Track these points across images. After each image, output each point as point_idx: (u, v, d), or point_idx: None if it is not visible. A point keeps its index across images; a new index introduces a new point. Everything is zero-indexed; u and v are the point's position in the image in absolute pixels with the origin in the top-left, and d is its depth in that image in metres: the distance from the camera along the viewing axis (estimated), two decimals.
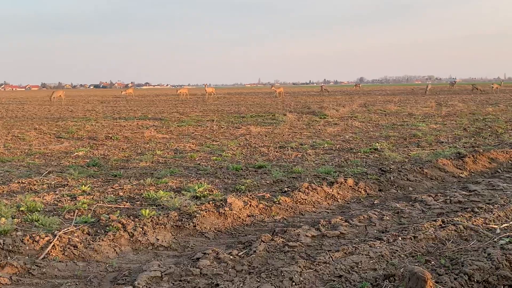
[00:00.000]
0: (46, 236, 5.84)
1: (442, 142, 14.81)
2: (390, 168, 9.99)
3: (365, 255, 5.34)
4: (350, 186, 8.71)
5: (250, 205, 7.42)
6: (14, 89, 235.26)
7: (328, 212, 7.52)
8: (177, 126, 21.22)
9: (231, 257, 5.38)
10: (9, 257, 5.38)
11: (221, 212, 6.99)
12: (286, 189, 8.47)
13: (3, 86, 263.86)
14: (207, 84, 70.02)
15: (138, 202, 7.86)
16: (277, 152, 13.26)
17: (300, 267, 4.95)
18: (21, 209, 7.33)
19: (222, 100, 49.04)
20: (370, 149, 13.31)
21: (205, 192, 8.43)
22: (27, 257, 5.45)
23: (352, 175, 9.57)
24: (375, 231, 6.43)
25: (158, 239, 6.09)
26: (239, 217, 6.99)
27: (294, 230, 6.19)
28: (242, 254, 5.48)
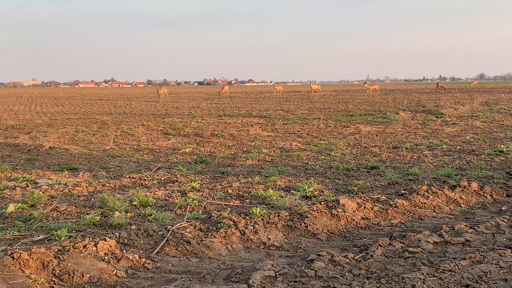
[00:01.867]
0: (159, 231, 6.12)
1: None
2: None
3: (495, 264, 5.11)
4: (474, 191, 8.36)
5: (364, 207, 7.34)
6: (121, 85, 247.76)
7: (450, 218, 7.27)
8: (283, 124, 21.42)
9: (347, 260, 5.35)
10: (124, 250, 5.68)
11: (334, 214, 6.97)
12: (403, 191, 8.29)
13: (110, 82, 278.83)
14: (312, 81, 70.91)
15: (247, 200, 8.02)
16: (390, 152, 13.01)
17: (423, 274, 4.83)
18: (133, 203, 7.72)
19: (328, 98, 48.86)
20: (495, 151, 12.70)
21: (316, 192, 8.44)
22: (141, 251, 5.73)
23: (476, 179, 9.18)
24: (505, 239, 6.12)
25: (269, 238, 6.17)
26: (353, 219, 6.93)
27: (414, 235, 6.04)
28: (359, 258, 5.43)
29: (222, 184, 9.26)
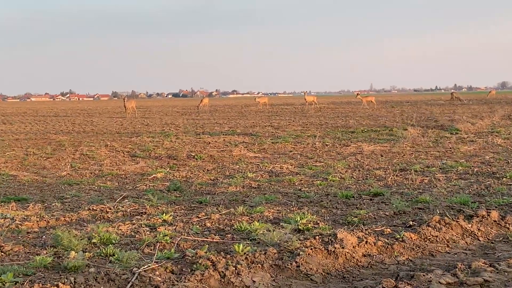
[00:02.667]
0: (123, 274, 6.07)
1: None
2: None
3: None
4: (495, 221, 8.40)
5: (366, 242, 7.34)
6: (80, 98, 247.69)
7: (466, 254, 7.29)
8: (272, 143, 21.49)
9: None
10: None
11: (330, 250, 6.96)
12: (411, 222, 8.32)
13: (68, 95, 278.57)
14: (307, 91, 70.91)
15: (229, 235, 8.00)
16: (397, 176, 13.07)
17: None
18: (93, 241, 7.67)
19: (325, 111, 49.13)
20: None
21: (309, 225, 8.44)
22: None
23: (496, 207, 9.24)
24: None
25: (254, 281, 6.15)
26: (353, 257, 6.93)
27: (424, 275, 6.04)
28: None
29: (200, 216, 9.24)
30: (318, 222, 8.69)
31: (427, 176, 12.91)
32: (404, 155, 17.15)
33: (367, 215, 9.04)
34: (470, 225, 8.13)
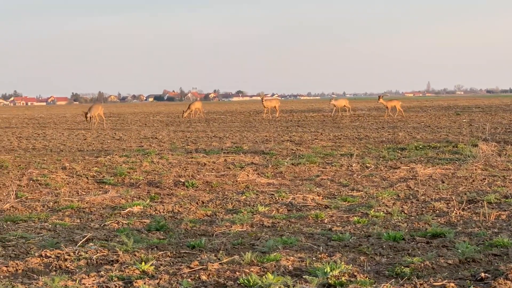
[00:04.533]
0: None
1: None
2: None
3: None
4: None
5: None
6: (30, 103, 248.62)
7: None
8: (292, 164, 21.47)
9: None
10: None
11: None
12: (482, 275, 8.29)
13: (13, 99, 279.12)
14: (334, 95, 70.91)
15: None
16: (463, 210, 13.04)
17: None
18: None
19: (365, 119, 49.10)
20: None
21: (343, 278, 8.43)
22: None
23: None
24: None
25: None
26: None
27: None
28: None
29: (192, 265, 9.23)
30: (355, 274, 8.66)
31: (505, 210, 12.87)
32: (473, 181, 17.10)
33: (422, 264, 9.00)
34: None
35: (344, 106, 61.88)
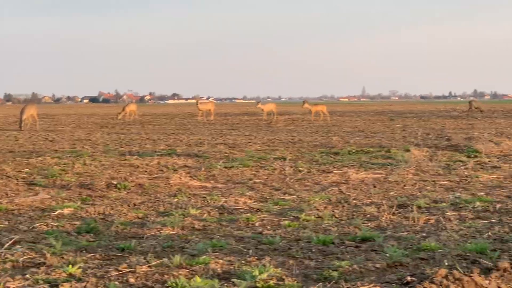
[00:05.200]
0: None
1: None
2: None
3: None
4: None
5: None
6: None
7: None
8: (225, 167, 21.44)
9: None
10: None
11: None
12: (408, 278, 8.37)
13: None
14: (260, 99, 71.73)
15: None
16: (394, 214, 13.15)
17: None
18: None
19: (299, 123, 49.29)
20: None
21: (271, 282, 8.45)
22: None
23: None
24: None
25: None
26: None
27: None
28: None
29: (120, 268, 9.18)
30: (284, 277, 8.66)
31: (434, 215, 13.01)
32: (404, 185, 17.26)
33: (350, 268, 9.05)
34: (487, 281, 8.20)
35: (271, 110, 62.66)
